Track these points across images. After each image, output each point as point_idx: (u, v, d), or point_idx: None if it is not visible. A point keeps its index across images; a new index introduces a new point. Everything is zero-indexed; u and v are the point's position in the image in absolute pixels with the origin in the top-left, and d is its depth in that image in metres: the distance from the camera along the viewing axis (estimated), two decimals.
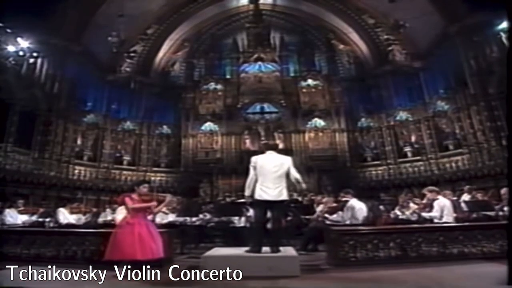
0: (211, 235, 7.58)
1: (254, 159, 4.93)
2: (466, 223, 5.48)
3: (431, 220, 5.92)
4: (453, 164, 14.30)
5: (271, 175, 4.75)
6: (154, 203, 4.70)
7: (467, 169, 13.61)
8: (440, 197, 6.20)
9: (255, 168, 4.86)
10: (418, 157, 15.36)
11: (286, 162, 4.89)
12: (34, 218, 6.75)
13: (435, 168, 14.75)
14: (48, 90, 13.13)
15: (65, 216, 6.23)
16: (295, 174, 4.87)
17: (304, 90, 17.40)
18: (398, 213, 7.03)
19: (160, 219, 6.59)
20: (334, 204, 5.85)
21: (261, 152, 4.82)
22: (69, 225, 6.07)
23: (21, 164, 11.48)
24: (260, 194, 4.74)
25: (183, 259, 5.55)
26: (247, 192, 4.89)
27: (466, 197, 9.71)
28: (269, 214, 4.80)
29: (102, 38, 14.38)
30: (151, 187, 5.01)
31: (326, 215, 5.64)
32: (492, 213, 6.60)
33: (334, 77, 17.70)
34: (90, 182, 14.15)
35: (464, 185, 13.46)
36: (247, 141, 16.66)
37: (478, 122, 13.80)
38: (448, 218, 5.89)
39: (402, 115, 16.32)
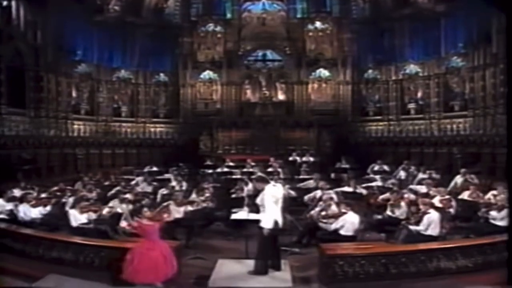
0: (214, 220, 8.07)
1: (267, 188, 5.26)
2: (447, 245, 5.87)
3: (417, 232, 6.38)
4: (454, 127, 14.16)
5: (280, 205, 5.21)
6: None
7: (467, 134, 13.54)
8: (431, 210, 6.47)
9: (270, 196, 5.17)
10: (420, 115, 15.10)
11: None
12: (48, 208, 7.04)
13: (435, 128, 14.64)
14: (31, 41, 11.99)
15: (76, 217, 6.45)
16: None
17: (311, 34, 16.04)
18: (389, 211, 7.41)
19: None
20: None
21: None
22: (81, 227, 6.34)
23: (19, 126, 11.35)
24: (274, 223, 5.13)
25: (189, 260, 5.90)
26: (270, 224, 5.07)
27: (459, 179, 10.11)
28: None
29: None
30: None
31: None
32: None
33: (346, 19, 16.04)
34: (91, 137, 14.21)
35: (461, 149, 13.76)
36: (248, 91, 16.10)
37: (492, 85, 13.08)
38: (433, 231, 6.29)
39: (413, 68, 15.39)
